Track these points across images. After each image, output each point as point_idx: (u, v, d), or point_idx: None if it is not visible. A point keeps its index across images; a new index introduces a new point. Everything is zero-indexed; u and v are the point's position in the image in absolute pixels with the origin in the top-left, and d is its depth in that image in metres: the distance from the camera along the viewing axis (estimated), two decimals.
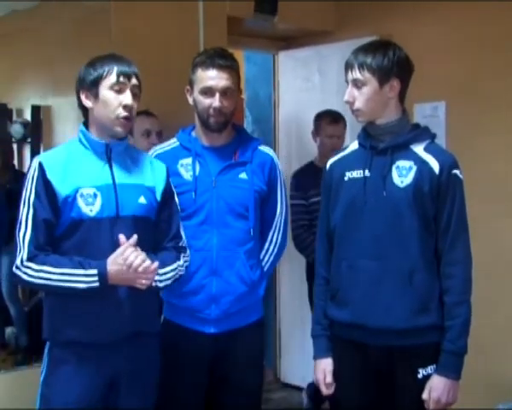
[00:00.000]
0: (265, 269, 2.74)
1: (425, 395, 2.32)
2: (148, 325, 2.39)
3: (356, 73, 2.33)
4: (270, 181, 2.72)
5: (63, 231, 2.26)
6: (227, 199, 2.62)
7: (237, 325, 2.65)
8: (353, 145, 2.50)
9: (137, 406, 2.36)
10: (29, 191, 2.25)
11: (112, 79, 2.28)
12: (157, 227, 2.42)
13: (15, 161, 3.89)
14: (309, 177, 3.92)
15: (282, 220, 2.76)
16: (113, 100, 2.28)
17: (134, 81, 2.32)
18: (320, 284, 2.52)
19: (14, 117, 3.86)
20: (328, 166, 2.52)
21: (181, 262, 2.43)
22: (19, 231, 2.23)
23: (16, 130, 3.84)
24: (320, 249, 2.54)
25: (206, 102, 2.60)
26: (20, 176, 3.55)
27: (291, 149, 4.73)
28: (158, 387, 2.46)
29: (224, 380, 2.69)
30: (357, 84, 2.34)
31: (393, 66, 2.31)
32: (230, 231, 2.61)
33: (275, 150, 4.22)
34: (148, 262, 2.22)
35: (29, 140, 3.87)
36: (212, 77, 2.58)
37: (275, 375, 4.89)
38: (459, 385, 2.33)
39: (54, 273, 2.19)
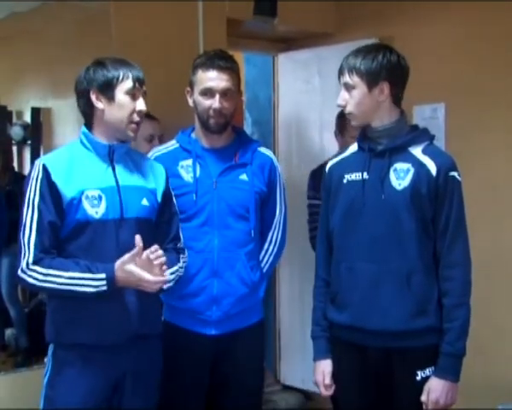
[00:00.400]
0: (265, 270, 2.75)
1: (423, 398, 2.32)
2: (151, 327, 2.39)
3: (346, 77, 2.33)
4: (269, 182, 2.73)
5: (68, 234, 2.26)
6: (228, 200, 2.62)
7: (238, 327, 2.66)
8: (353, 147, 2.50)
9: (141, 406, 2.37)
10: (33, 194, 2.23)
11: (128, 84, 2.29)
12: (157, 229, 2.42)
13: (15, 163, 3.88)
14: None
15: (282, 220, 2.77)
16: (129, 104, 2.30)
17: (144, 88, 2.35)
18: (319, 285, 2.52)
19: (14, 119, 3.85)
20: (327, 168, 2.53)
21: (181, 264, 2.45)
22: (23, 233, 2.22)
23: (16, 132, 3.83)
24: (320, 251, 2.54)
25: (206, 103, 2.60)
26: (19, 178, 3.56)
27: (291, 150, 4.71)
28: (159, 388, 2.46)
29: (225, 382, 2.69)
30: (348, 87, 2.34)
31: (382, 69, 2.29)
32: (231, 233, 2.62)
33: (274, 152, 4.21)
34: (166, 273, 2.26)
35: (29, 142, 3.86)
36: (213, 78, 2.59)
37: (275, 377, 4.88)
38: (458, 387, 2.33)
39: (62, 277, 2.19)
